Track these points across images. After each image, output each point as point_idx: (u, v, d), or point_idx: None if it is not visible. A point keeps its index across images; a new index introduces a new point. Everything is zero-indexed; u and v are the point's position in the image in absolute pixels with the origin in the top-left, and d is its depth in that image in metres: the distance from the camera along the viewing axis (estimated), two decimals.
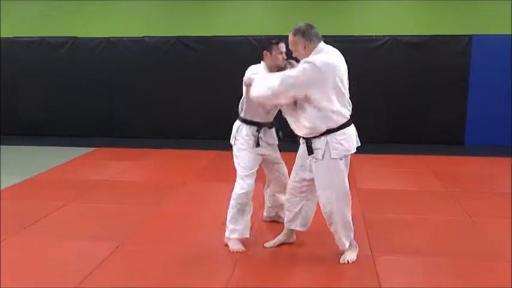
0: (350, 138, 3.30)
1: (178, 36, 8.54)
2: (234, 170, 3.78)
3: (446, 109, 8.05)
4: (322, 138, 3.24)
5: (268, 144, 3.79)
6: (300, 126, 3.30)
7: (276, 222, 4.15)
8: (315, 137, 3.27)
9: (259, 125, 3.70)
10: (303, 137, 3.39)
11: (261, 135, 3.69)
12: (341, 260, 3.42)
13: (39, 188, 5.48)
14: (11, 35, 8.88)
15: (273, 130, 3.85)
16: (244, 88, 3.63)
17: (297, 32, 3.27)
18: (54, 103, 8.87)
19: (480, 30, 7.92)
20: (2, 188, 5.34)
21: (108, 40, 8.69)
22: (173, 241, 3.87)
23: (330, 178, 3.30)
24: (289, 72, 3.25)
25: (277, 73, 3.34)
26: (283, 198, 3.94)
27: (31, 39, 8.84)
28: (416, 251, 3.66)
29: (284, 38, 3.53)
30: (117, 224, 4.23)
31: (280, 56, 3.58)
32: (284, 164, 3.98)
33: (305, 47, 3.24)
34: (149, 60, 8.58)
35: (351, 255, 3.45)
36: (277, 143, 3.88)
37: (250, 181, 3.70)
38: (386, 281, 3.17)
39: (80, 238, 3.90)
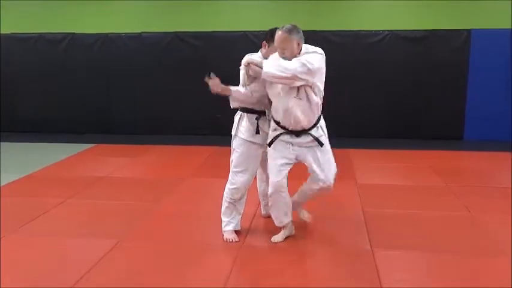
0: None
1: (176, 32, 8.51)
2: None
3: (445, 104, 8.03)
4: (318, 125, 3.54)
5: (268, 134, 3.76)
6: (304, 117, 3.44)
7: None
8: (312, 128, 3.50)
9: (258, 113, 3.69)
10: (302, 132, 3.48)
11: (260, 124, 3.67)
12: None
13: (38, 185, 5.48)
14: (8, 31, 8.85)
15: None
16: (241, 73, 3.62)
17: (291, 31, 3.37)
18: (52, 99, 8.85)
19: (479, 24, 7.89)
20: (1, 184, 5.33)
21: (106, 36, 8.67)
22: (172, 238, 3.87)
23: (330, 157, 3.60)
24: (306, 58, 3.32)
25: (294, 59, 3.34)
26: None
27: (29, 35, 8.81)
28: (416, 246, 3.65)
29: None
30: (115, 220, 4.23)
31: (276, 52, 3.54)
32: None
33: (299, 44, 3.41)
34: (148, 55, 8.56)
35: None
36: None
37: (241, 178, 3.70)
38: (386, 276, 3.17)
39: (78, 235, 3.90)
